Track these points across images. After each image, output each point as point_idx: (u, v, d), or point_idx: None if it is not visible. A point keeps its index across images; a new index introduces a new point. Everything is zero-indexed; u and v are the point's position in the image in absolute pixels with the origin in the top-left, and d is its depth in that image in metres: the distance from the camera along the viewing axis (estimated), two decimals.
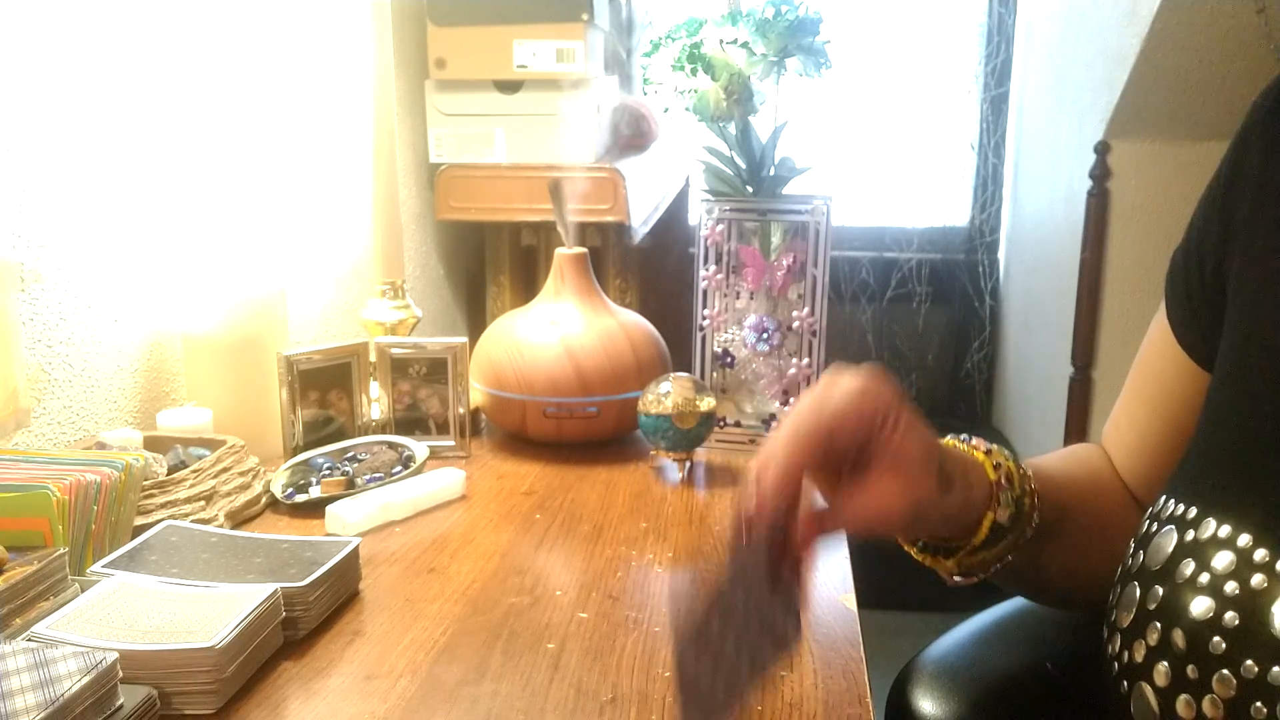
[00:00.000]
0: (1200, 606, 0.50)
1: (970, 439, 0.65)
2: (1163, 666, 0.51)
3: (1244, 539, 0.50)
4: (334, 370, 1.05)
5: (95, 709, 0.55)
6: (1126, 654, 0.54)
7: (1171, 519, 0.55)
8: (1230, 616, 0.48)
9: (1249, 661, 0.47)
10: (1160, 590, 0.52)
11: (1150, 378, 0.67)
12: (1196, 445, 0.57)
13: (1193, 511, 0.53)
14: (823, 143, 2.60)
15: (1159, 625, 0.52)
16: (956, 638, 0.80)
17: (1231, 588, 0.49)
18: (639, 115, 1.72)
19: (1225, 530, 0.51)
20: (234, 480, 0.90)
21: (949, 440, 0.64)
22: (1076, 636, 0.73)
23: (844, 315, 2.74)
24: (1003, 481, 0.62)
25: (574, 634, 0.71)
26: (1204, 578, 0.50)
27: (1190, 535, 0.52)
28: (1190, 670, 0.49)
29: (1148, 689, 0.52)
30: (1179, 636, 0.50)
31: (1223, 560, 0.50)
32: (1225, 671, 0.48)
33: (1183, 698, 0.50)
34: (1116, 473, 0.71)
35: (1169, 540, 0.54)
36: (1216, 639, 0.49)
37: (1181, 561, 0.52)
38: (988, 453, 0.63)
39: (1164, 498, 0.57)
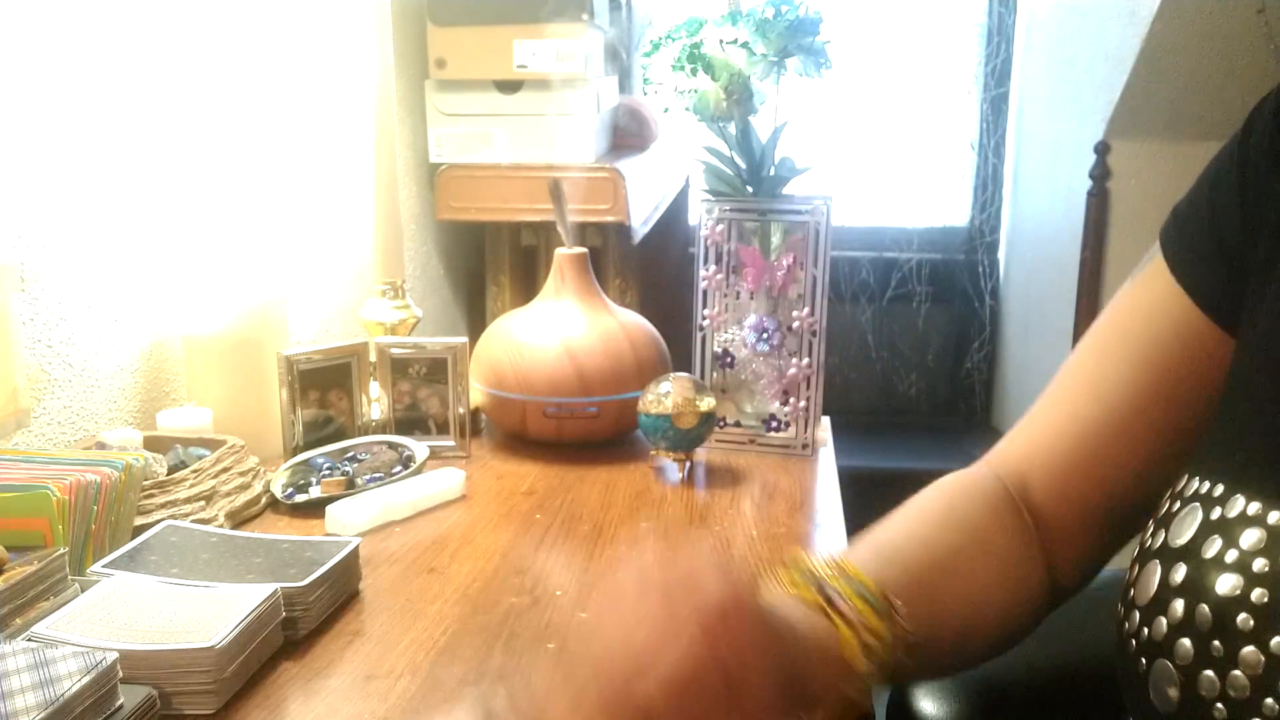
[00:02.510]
0: (1227, 584, 0.49)
1: (832, 595, 0.56)
2: (1185, 643, 0.51)
3: (1275, 516, 0.49)
4: (334, 370, 1.05)
5: (95, 709, 0.55)
6: (1146, 630, 0.53)
7: (1196, 496, 0.54)
8: (1259, 593, 0.48)
9: (1277, 639, 0.47)
10: (1184, 567, 0.52)
11: (1132, 341, 0.63)
12: (1222, 421, 0.56)
13: (1219, 489, 0.53)
14: (823, 143, 2.60)
15: (1181, 602, 0.51)
16: None
17: (1260, 565, 0.48)
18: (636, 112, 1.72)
19: (1255, 507, 0.50)
20: (234, 480, 0.90)
21: (805, 591, 0.56)
22: (1080, 635, 0.72)
23: (844, 315, 2.74)
24: (868, 660, 0.55)
25: (574, 634, 0.71)
26: (1231, 555, 0.50)
27: (1217, 512, 0.52)
28: (1215, 647, 0.49)
29: (1168, 665, 0.52)
30: (1204, 613, 0.50)
31: (1251, 537, 0.50)
32: (1252, 649, 0.48)
33: (1206, 674, 0.49)
34: (1007, 509, 0.65)
35: (1193, 518, 0.53)
36: (1243, 615, 0.48)
37: (1207, 539, 0.51)
38: (849, 623, 0.55)
39: (1187, 475, 0.56)
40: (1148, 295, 0.63)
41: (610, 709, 0.44)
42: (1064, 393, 0.67)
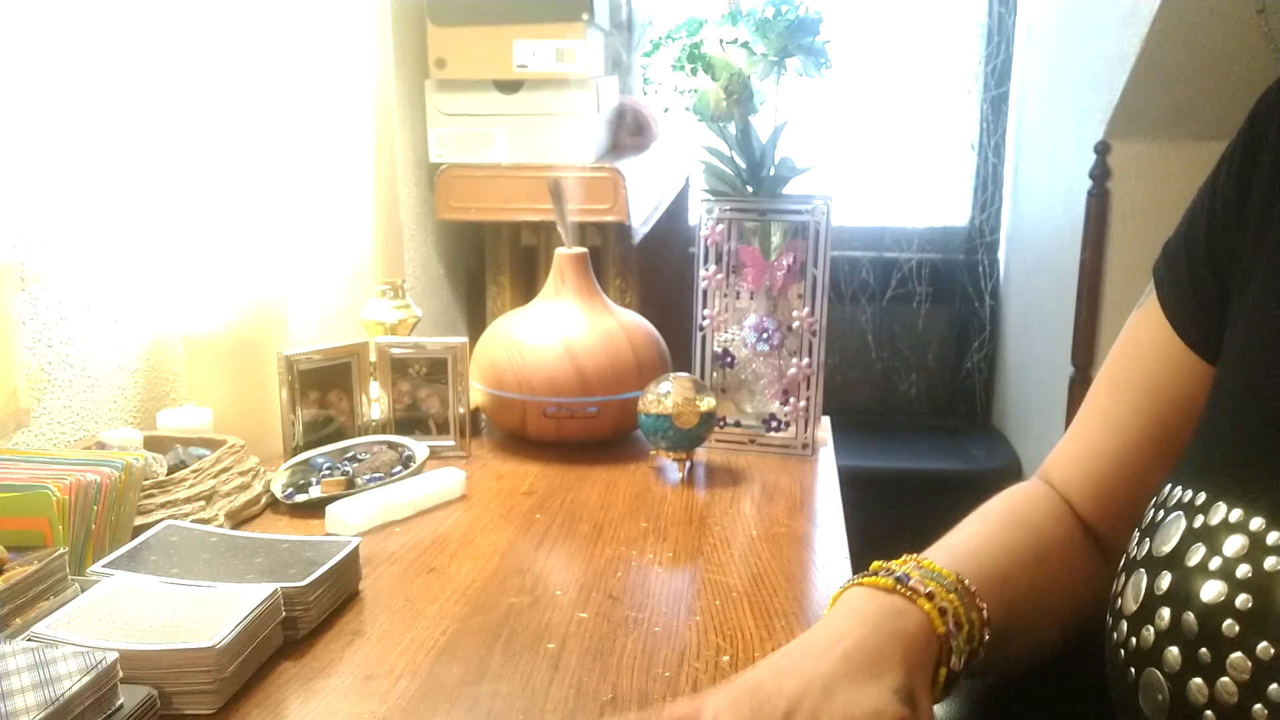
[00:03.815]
0: (1211, 591, 0.50)
1: (909, 579, 0.59)
2: (1173, 651, 0.51)
3: (1256, 522, 0.50)
4: (334, 370, 1.05)
5: (95, 709, 0.55)
6: (1134, 640, 0.54)
7: (1179, 505, 0.55)
8: (1243, 599, 0.49)
9: (1264, 644, 0.47)
10: (1169, 576, 0.52)
11: (1136, 376, 0.66)
12: (1203, 431, 0.57)
13: (1201, 497, 0.53)
14: (823, 143, 2.60)
15: (1168, 610, 0.52)
16: None
17: (1244, 571, 0.49)
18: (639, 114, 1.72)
19: (1236, 514, 0.51)
20: (234, 480, 0.90)
21: (880, 579, 0.59)
22: (1080, 636, 0.73)
23: (844, 315, 2.74)
24: (951, 628, 0.57)
25: (574, 634, 0.71)
26: (1215, 562, 0.50)
27: (1199, 520, 0.53)
28: (1202, 654, 0.49)
29: (1157, 674, 0.52)
30: (1190, 620, 0.50)
31: (1234, 544, 0.50)
32: (1239, 654, 0.48)
33: (1195, 681, 0.50)
34: (1065, 513, 0.69)
35: (1177, 526, 0.54)
36: (1229, 622, 0.49)
37: (1191, 547, 0.52)
38: (929, 596, 0.57)
39: (1169, 485, 0.57)
40: (1148, 329, 0.66)
41: None
42: (1088, 417, 0.70)
